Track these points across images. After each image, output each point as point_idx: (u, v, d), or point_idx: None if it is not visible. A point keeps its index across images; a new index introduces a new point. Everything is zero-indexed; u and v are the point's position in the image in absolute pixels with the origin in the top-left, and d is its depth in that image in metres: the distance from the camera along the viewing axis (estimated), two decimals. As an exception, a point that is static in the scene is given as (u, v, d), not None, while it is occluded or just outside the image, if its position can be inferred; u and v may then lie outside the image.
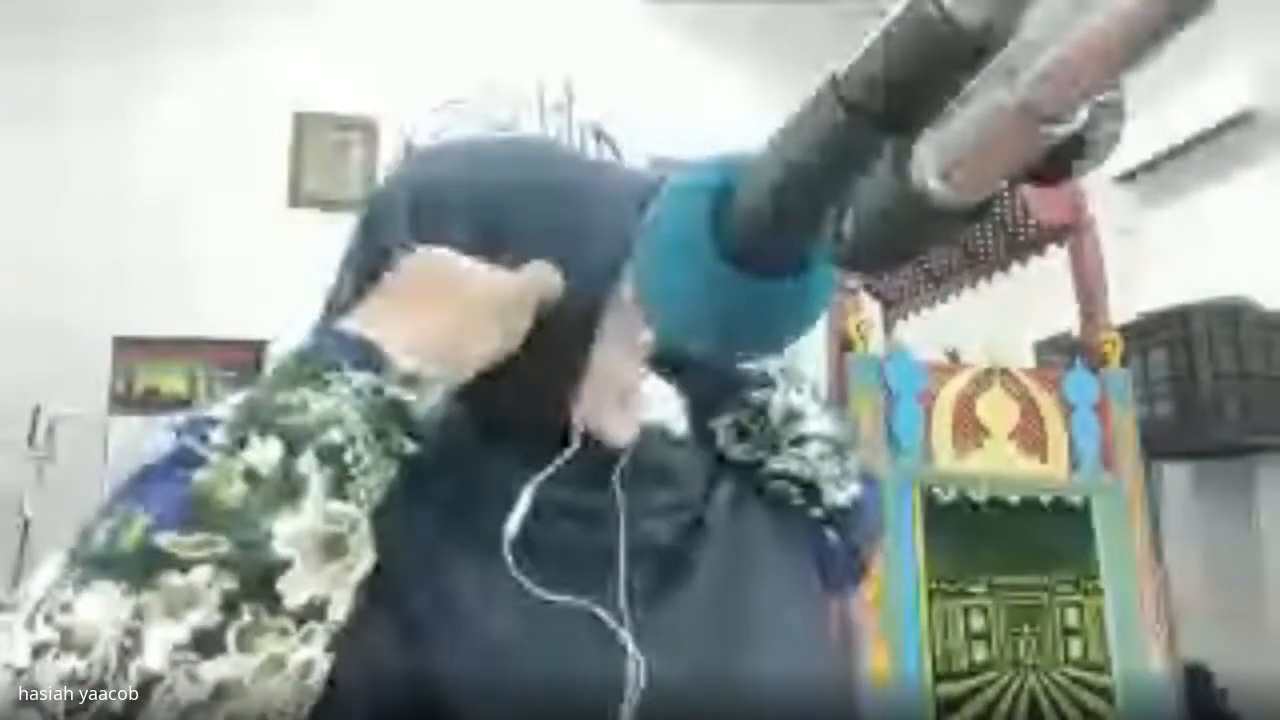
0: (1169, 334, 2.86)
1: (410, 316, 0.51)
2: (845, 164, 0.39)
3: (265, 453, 0.43)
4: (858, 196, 0.40)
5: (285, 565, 0.42)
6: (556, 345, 0.58)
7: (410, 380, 0.48)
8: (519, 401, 0.59)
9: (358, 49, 3.78)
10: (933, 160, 0.36)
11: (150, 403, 3.34)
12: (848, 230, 0.42)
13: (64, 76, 3.45)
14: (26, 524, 2.89)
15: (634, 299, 0.57)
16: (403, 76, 3.80)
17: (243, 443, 0.43)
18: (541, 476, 0.58)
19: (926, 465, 1.74)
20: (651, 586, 0.60)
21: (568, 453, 0.59)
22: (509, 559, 0.55)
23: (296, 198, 3.68)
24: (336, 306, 0.65)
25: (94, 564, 0.40)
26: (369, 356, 0.48)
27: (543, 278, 0.57)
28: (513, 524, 0.56)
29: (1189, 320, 2.85)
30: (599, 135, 4.37)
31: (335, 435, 0.45)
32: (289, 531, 0.42)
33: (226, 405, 0.46)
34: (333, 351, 0.48)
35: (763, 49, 4.05)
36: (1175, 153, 3.45)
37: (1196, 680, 2.56)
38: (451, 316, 0.52)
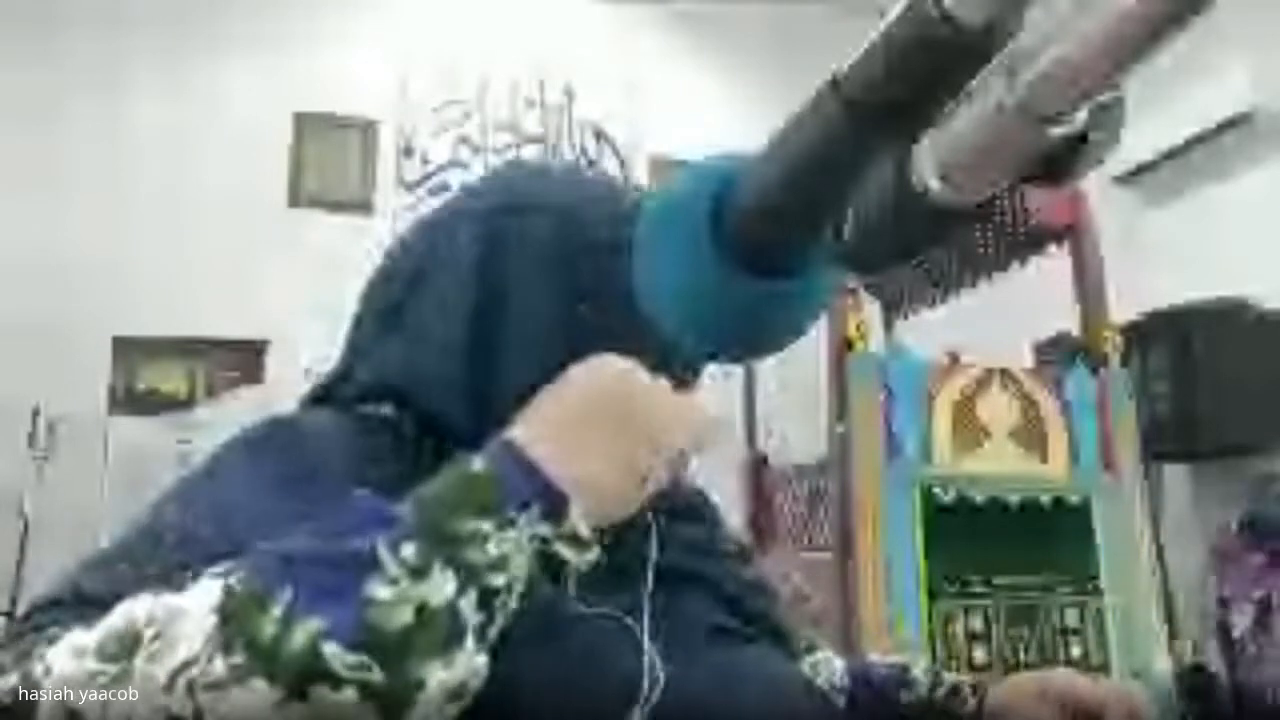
0: (1169, 334, 2.86)
1: (595, 457, 0.48)
2: (845, 164, 0.39)
3: (442, 587, 0.42)
4: (858, 196, 0.40)
5: (420, 705, 0.41)
6: None
7: (579, 543, 0.47)
8: None
9: (358, 49, 3.78)
10: (933, 160, 0.36)
11: (150, 403, 3.33)
12: (848, 230, 0.42)
13: (64, 76, 3.45)
14: (26, 524, 2.89)
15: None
16: (403, 76, 3.80)
17: (426, 571, 0.42)
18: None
19: (926, 465, 1.74)
20: (668, 599, 0.61)
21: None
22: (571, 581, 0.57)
23: (296, 198, 3.68)
24: (366, 333, 0.69)
25: (256, 655, 0.39)
26: (557, 510, 0.46)
27: (718, 424, 0.56)
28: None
29: (1189, 320, 2.85)
30: (598, 135, 4.37)
31: (499, 580, 0.44)
32: (437, 683, 0.41)
33: (412, 512, 0.44)
34: (524, 490, 0.45)
35: (762, 49, 4.05)
36: (1175, 153, 3.45)
37: (1196, 680, 2.56)
38: (631, 456, 0.49)
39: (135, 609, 0.42)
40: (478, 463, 0.46)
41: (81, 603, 0.47)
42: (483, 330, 0.63)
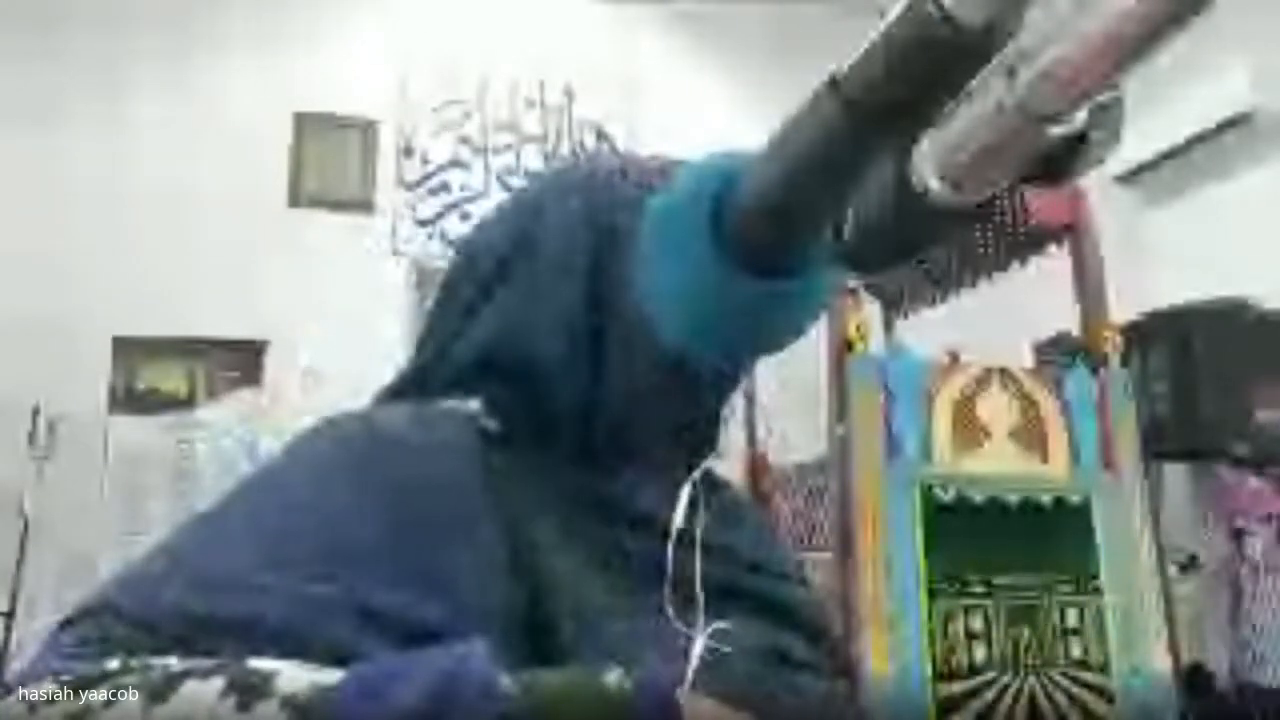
0: (1169, 334, 2.86)
1: None
2: (845, 164, 0.39)
3: None
4: (858, 196, 0.40)
5: None
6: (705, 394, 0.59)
7: None
8: (661, 434, 0.60)
9: (358, 49, 3.78)
10: (933, 160, 0.36)
11: (150, 403, 3.33)
12: (848, 230, 0.42)
13: (64, 76, 3.45)
14: (26, 524, 2.90)
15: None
16: (403, 76, 3.80)
17: None
18: (699, 471, 0.58)
19: (926, 465, 1.74)
20: (715, 615, 0.59)
21: (710, 457, 0.60)
22: (670, 555, 0.55)
23: (296, 198, 3.68)
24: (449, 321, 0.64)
25: None
26: None
27: None
28: (678, 517, 0.57)
29: (1189, 320, 2.85)
30: (599, 135, 4.38)
31: None
32: None
33: (520, 694, 0.43)
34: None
35: (762, 49, 4.05)
36: (1176, 153, 3.45)
37: (1196, 680, 2.56)
38: None
39: (198, 706, 0.41)
40: (614, 676, 0.44)
41: (118, 620, 0.46)
42: (599, 290, 0.58)
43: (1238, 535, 2.71)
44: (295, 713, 0.40)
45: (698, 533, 0.59)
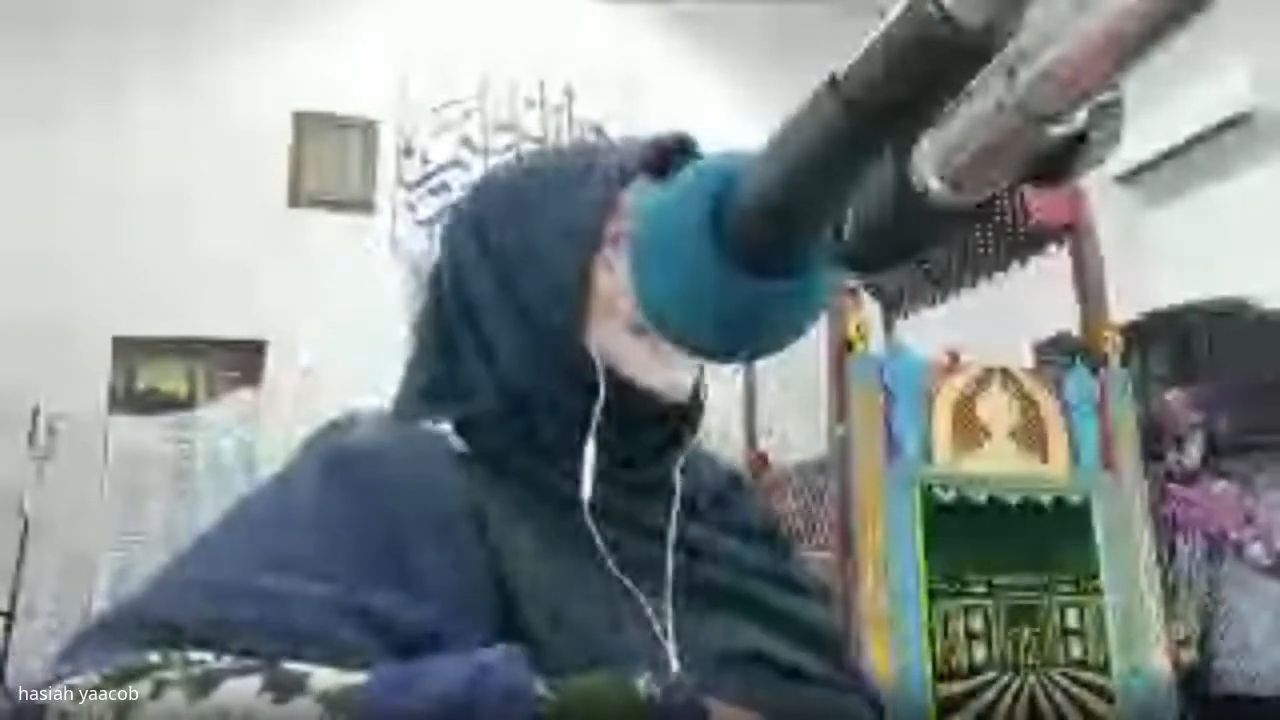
0: (1169, 334, 2.87)
1: None
2: (845, 164, 0.39)
3: None
4: (858, 196, 0.40)
5: None
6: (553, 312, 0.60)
7: None
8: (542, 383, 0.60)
9: (358, 49, 3.78)
10: (933, 160, 0.36)
11: (150, 403, 3.34)
12: (848, 230, 0.42)
13: (64, 76, 3.45)
14: (26, 524, 2.90)
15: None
16: (403, 76, 3.80)
17: None
18: (593, 421, 0.58)
19: (926, 465, 1.74)
20: (693, 585, 0.60)
21: (598, 404, 0.59)
22: (590, 523, 0.56)
23: (296, 198, 3.68)
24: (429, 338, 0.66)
25: None
26: None
27: None
28: (586, 489, 0.57)
29: (1189, 320, 2.85)
30: (598, 135, 4.38)
31: None
32: None
33: (551, 699, 0.43)
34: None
35: (762, 49, 4.05)
36: (1176, 153, 3.45)
37: (1196, 680, 2.56)
38: None
39: (238, 700, 0.41)
40: (643, 680, 0.45)
41: (143, 625, 0.47)
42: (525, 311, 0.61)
43: (1240, 548, 2.61)
44: (329, 705, 0.41)
45: (670, 530, 0.60)
